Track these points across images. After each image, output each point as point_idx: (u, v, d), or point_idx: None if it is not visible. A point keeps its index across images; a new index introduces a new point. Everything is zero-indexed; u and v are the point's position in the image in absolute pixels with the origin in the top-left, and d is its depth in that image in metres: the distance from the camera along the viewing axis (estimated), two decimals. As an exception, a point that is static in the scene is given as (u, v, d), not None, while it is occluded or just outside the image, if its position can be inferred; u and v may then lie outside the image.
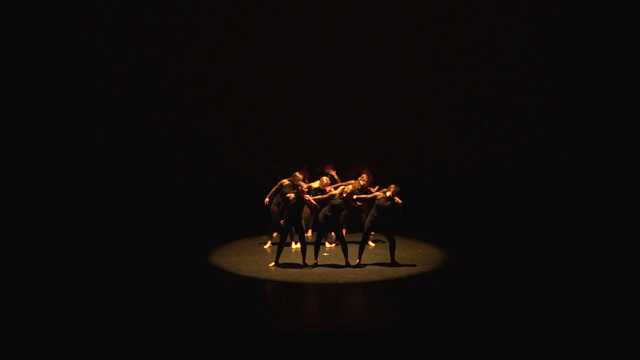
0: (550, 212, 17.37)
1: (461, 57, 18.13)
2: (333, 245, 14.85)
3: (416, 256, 14.45)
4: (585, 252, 14.69)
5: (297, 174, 14.44)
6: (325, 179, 14.61)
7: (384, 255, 14.22)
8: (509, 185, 18.16)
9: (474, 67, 18.14)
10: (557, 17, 17.90)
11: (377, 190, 14.11)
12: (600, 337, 10.93)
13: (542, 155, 18.12)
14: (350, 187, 14.00)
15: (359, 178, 14.40)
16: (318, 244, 13.98)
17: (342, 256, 13.94)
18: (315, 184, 14.63)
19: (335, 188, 14.27)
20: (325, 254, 14.46)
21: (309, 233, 15.08)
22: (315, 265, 13.82)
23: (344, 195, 13.82)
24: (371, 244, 14.75)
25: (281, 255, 13.90)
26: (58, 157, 17.77)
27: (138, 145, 18.19)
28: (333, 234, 14.56)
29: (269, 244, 14.94)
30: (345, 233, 14.44)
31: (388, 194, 13.76)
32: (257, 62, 18.17)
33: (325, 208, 13.89)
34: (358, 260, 13.90)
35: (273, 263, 13.88)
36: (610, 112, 17.35)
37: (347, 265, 13.83)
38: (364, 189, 14.30)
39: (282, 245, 13.91)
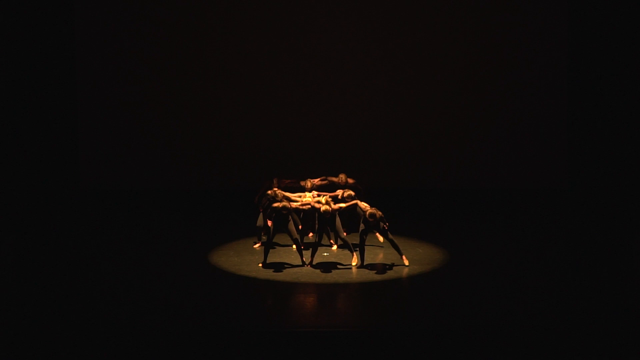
0: (550, 212, 17.36)
1: (461, 57, 18.12)
2: (335, 246, 14.84)
3: (416, 256, 14.44)
4: (585, 252, 14.69)
5: (277, 191, 14.21)
6: (307, 194, 14.43)
7: (384, 256, 14.22)
8: (509, 185, 18.15)
9: (474, 67, 18.13)
10: (557, 17, 17.89)
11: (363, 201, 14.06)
12: (600, 337, 10.92)
13: (542, 155, 18.11)
14: (325, 199, 13.95)
15: (344, 191, 14.35)
16: (316, 246, 13.94)
17: (342, 256, 13.93)
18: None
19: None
20: (325, 254, 14.45)
21: (310, 234, 15.05)
22: (309, 264, 13.77)
23: (322, 206, 13.74)
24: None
25: (280, 255, 13.88)
26: (57, 156, 17.76)
27: (138, 145, 18.18)
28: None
29: (258, 244, 14.85)
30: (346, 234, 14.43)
31: (369, 212, 13.59)
32: (257, 62, 18.15)
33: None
34: (361, 262, 13.86)
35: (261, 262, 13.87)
36: (611, 112, 17.35)
37: (349, 265, 13.83)
38: (342, 199, 14.21)
39: (268, 245, 13.85)
